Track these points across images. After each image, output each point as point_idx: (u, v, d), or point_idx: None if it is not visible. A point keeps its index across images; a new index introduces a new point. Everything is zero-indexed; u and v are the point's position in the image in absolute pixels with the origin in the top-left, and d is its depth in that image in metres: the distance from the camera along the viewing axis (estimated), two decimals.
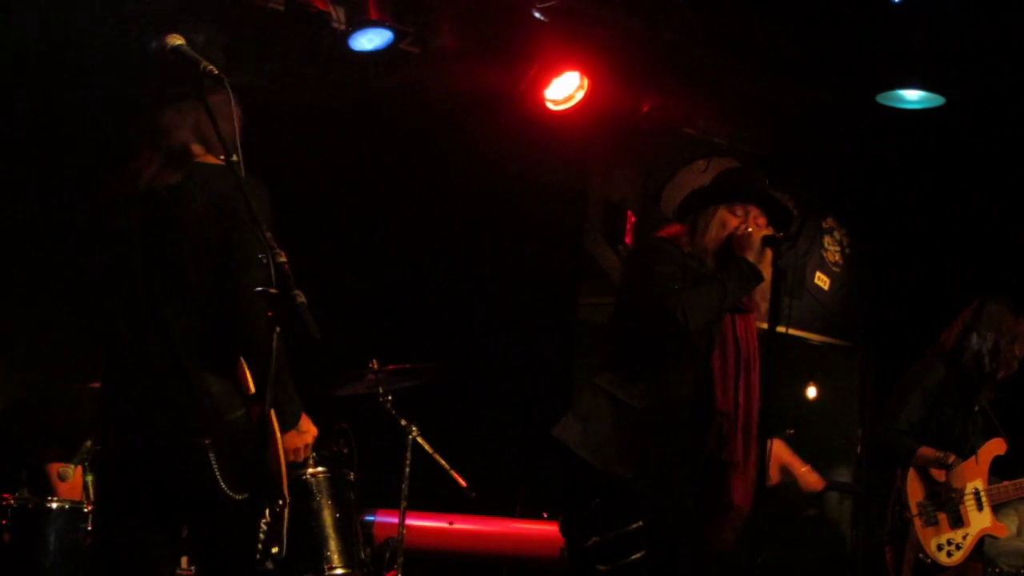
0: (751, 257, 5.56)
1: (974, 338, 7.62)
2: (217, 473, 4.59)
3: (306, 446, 5.00)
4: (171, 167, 4.74)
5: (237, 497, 4.63)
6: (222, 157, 4.32)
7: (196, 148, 4.76)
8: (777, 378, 5.61)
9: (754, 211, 5.73)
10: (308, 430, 4.98)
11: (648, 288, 5.47)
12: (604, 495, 5.40)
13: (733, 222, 5.69)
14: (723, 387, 5.59)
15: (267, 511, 4.71)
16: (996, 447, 7.71)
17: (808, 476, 6.16)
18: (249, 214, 4.20)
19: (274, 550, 4.69)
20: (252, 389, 4.66)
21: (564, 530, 5.63)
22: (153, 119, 4.85)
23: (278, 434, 4.74)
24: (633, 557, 5.35)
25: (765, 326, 5.58)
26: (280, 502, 4.78)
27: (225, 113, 4.42)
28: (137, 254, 4.71)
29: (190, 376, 4.62)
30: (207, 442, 4.58)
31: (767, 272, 5.62)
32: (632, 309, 5.62)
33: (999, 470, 7.81)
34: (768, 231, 5.64)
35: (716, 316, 5.54)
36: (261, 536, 4.68)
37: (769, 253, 5.61)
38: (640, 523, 5.37)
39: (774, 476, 5.99)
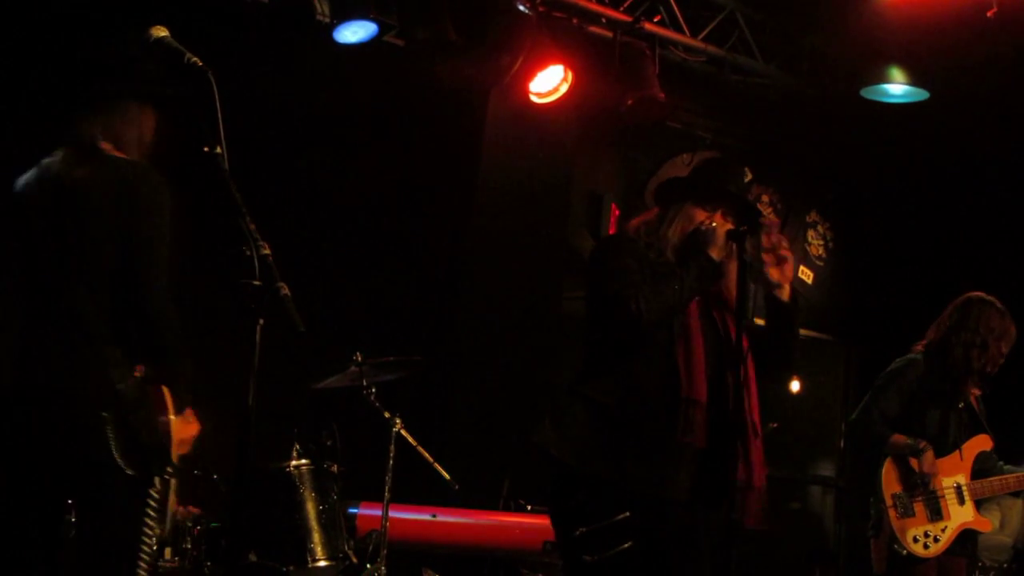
0: (715, 253, 5.55)
1: (962, 335, 7.64)
2: (112, 445, 4.70)
3: (192, 439, 5.11)
4: (80, 161, 4.99)
5: (128, 472, 4.72)
6: (206, 148, 4.32)
7: (105, 144, 5.00)
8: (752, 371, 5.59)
9: (723, 209, 5.73)
10: (194, 423, 5.11)
11: (608, 282, 5.46)
12: (588, 490, 5.40)
13: (699, 216, 5.68)
14: (688, 376, 5.57)
15: (156, 480, 4.83)
16: (981, 443, 7.72)
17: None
18: (235, 206, 4.21)
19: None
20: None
21: (553, 524, 5.64)
22: (69, 116, 5.10)
23: (171, 412, 4.93)
24: (620, 547, 5.36)
25: (761, 322, 5.58)
26: (169, 470, 4.91)
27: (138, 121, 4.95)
28: (48, 240, 4.93)
29: (95, 350, 4.77)
30: (105, 415, 4.70)
31: (733, 266, 5.62)
32: (594, 304, 5.62)
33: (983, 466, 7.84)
34: (728, 225, 5.62)
35: (672, 311, 5.52)
36: (149, 513, 4.77)
37: (734, 246, 5.60)
38: (626, 514, 5.37)
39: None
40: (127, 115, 5.08)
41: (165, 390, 4.95)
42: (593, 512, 5.36)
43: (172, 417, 4.94)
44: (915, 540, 7.44)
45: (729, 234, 5.56)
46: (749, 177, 10.60)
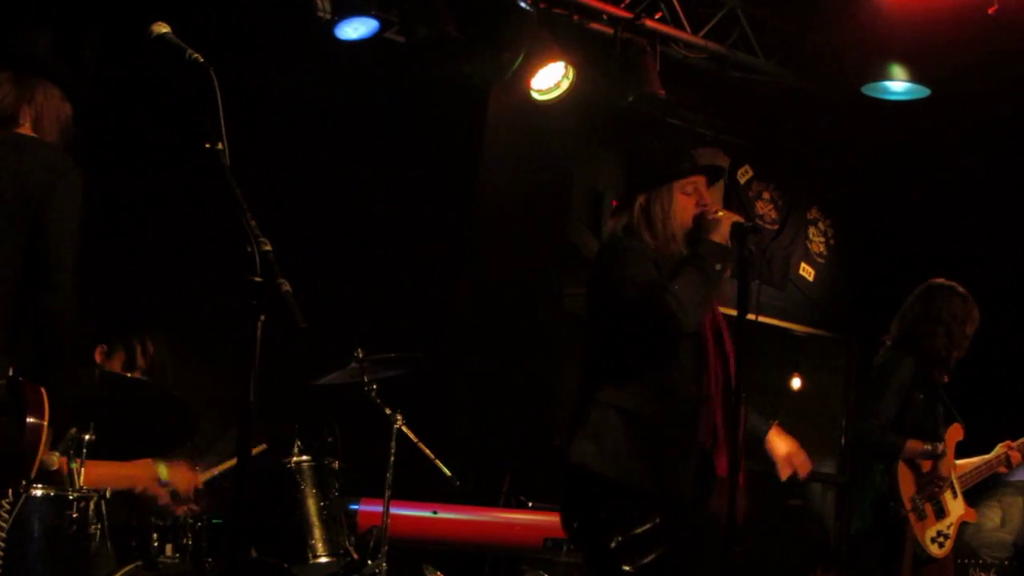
0: (720, 240, 5.54)
1: (927, 325, 7.63)
2: None
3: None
4: None
5: None
6: (207, 145, 4.31)
7: (24, 121, 4.92)
8: (752, 365, 5.58)
9: (700, 182, 5.72)
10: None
11: (632, 293, 5.41)
12: (622, 500, 5.38)
13: (690, 203, 5.66)
14: (709, 377, 5.58)
15: (8, 491, 4.72)
16: (956, 433, 7.72)
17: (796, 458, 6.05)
18: (236, 203, 4.19)
19: None
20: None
21: (579, 537, 5.60)
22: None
23: (46, 418, 4.72)
24: (654, 554, 5.36)
25: (734, 312, 5.54)
26: (24, 483, 4.76)
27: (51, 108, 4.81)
28: None
29: None
30: None
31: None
32: (620, 317, 5.54)
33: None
34: (736, 217, 5.60)
35: (708, 304, 5.52)
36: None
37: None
38: (657, 520, 5.37)
39: (782, 473, 5.96)
40: (49, 95, 4.96)
41: (43, 392, 4.73)
42: (626, 521, 5.36)
43: (44, 423, 4.71)
44: (932, 541, 7.42)
45: (733, 227, 5.55)
46: (750, 174, 10.65)
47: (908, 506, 7.41)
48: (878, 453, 7.60)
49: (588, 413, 5.49)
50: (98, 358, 7.35)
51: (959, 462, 7.74)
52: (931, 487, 7.47)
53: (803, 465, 5.92)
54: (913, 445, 7.45)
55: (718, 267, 5.48)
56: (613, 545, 5.33)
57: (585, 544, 5.53)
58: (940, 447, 7.46)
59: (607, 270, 5.62)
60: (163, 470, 7.08)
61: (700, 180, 5.72)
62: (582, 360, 5.76)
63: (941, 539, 7.44)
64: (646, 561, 5.33)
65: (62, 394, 4.78)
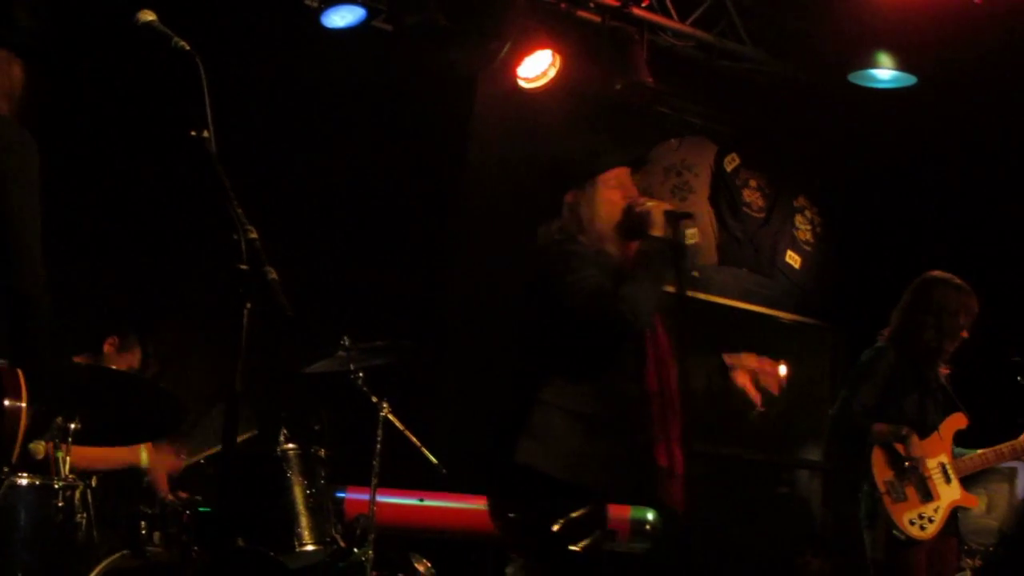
0: (658, 233, 5.52)
1: (922, 317, 7.69)
2: None
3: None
4: None
5: None
6: (193, 133, 4.29)
7: None
8: (688, 347, 5.58)
9: (624, 173, 5.71)
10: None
11: (582, 301, 5.40)
12: (568, 497, 5.42)
13: (617, 196, 5.65)
14: (648, 371, 5.62)
15: None
16: (957, 421, 7.75)
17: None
18: (222, 190, 4.17)
19: None
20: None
21: (516, 527, 5.60)
22: None
23: (24, 400, 4.64)
24: (594, 536, 5.43)
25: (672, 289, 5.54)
26: (6, 469, 4.70)
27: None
28: None
29: None
30: None
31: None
32: (566, 323, 5.48)
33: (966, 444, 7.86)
34: (666, 205, 5.59)
35: (657, 304, 5.52)
36: None
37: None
38: (594, 506, 5.45)
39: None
40: None
41: (20, 374, 4.64)
42: (565, 508, 5.40)
43: (23, 404, 4.63)
44: (911, 523, 7.47)
45: (667, 215, 5.54)
46: (737, 162, 10.66)
47: (882, 488, 7.48)
48: (848, 437, 7.76)
49: (531, 413, 5.49)
50: (107, 349, 7.35)
51: (979, 451, 7.77)
52: (908, 471, 7.51)
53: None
54: (880, 427, 7.55)
55: (663, 262, 5.49)
56: (557, 528, 5.36)
57: (525, 533, 5.54)
58: (904, 429, 7.51)
59: (551, 277, 5.57)
60: (144, 455, 7.09)
61: (623, 172, 5.72)
62: (516, 359, 5.75)
63: (923, 522, 7.47)
64: (588, 542, 5.39)
65: (41, 377, 4.69)
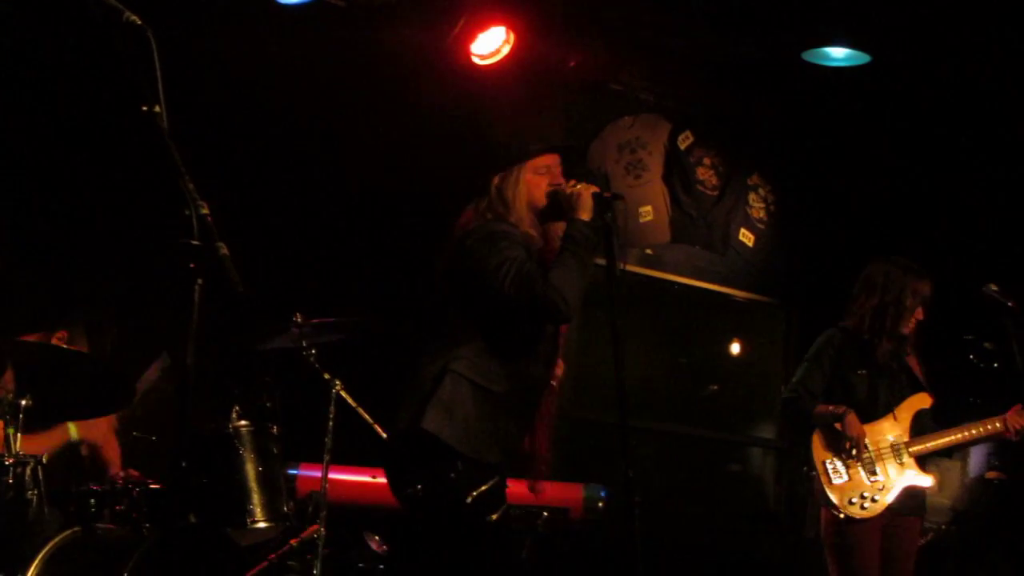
0: (585, 216, 5.55)
1: (864, 300, 7.78)
2: None
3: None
4: None
5: None
6: (144, 108, 4.26)
7: None
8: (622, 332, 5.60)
9: (554, 162, 5.75)
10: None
11: (511, 285, 5.42)
12: (468, 467, 5.46)
13: (542, 181, 5.69)
14: (558, 357, 5.76)
15: None
16: (919, 401, 7.80)
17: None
18: (174, 166, 4.14)
19: None
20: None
21: (419, 500, 5.61)
22: None
23: None
24: (502, 509, 5.55)
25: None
26: None
27: None
28: None
29: None
30: None
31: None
32: (492, 303, 5.54)
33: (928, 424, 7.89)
34: (594, 188, 5.63)
35: (584, 289, 5.55)
36: None
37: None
38: (497, 479, 5.53)
39: None
40: None
41: None
42: (474, 481, 5.46)
43: None
44: (851, 502, 7.52)
45: (595, 197, 5.57)
46: (691, 140, 10.67)
47: (819, 468, 7.60)
48: (795, 419, 7.93)
49: (442, 382, 5.54)
50: (55, 343, 7.30)
51: (964, 427, 7.77)
52: (849, 450, 7.57)
53: None
54: (821, 409, 7.66)
55: (589, 247, 5.53)
56: (470, 500, 5.43)
57: (434, 504, 5.56)
58: (841, 409, 7.56)
59: (479, 256, 5.60)
60: (73, 429, 7.08)
61: (553, 160, 5.75)
62: (431, 329, 5.80)
63: (865, 501, 7.52)
64: (498, 515, 5.50)
65: None
